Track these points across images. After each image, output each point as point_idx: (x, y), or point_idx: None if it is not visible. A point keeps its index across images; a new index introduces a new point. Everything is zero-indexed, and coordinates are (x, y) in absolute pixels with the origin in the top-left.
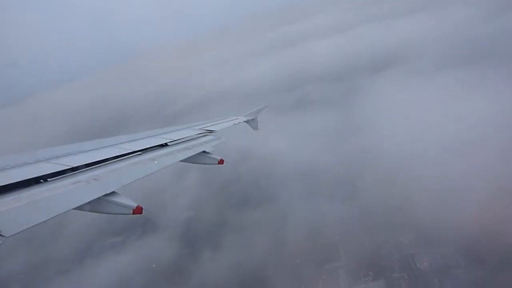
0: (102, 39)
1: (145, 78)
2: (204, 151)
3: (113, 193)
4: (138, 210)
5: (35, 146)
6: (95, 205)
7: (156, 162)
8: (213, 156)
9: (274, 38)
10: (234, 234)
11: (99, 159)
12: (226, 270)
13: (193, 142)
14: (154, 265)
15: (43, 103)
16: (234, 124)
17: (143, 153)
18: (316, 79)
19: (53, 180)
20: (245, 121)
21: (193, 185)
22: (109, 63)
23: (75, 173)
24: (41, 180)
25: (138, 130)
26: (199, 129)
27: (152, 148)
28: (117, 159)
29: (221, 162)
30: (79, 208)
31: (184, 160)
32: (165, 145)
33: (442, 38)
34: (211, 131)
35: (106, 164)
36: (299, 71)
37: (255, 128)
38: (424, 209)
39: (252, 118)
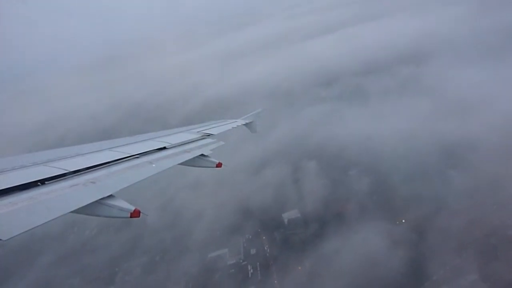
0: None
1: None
2: (202, 154)
3: (110, 196)
4: (135, 214)
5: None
6: (92, 208)
7: (154, 165)
8: (211, 159)
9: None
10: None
11: (97, 162)
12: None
13: (191, 145)
14: None
15: None
16: (233, 127)
17: (141, 156)
18: (346, 74)
19: (50, 183)
20: (243, 124)
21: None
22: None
23: (73, 176)
24: (38, 183)
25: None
26: (197, 132)
27: (150, 151)
28: (115, 162)
29: (219, 165)
30: (77, 211)
31: (182, 163)
32: (163, 148)
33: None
34: (209, 135)
35: (104, 167)
36: (322, 66)
37: (254, 131)
38: None
39: (251, 121)
